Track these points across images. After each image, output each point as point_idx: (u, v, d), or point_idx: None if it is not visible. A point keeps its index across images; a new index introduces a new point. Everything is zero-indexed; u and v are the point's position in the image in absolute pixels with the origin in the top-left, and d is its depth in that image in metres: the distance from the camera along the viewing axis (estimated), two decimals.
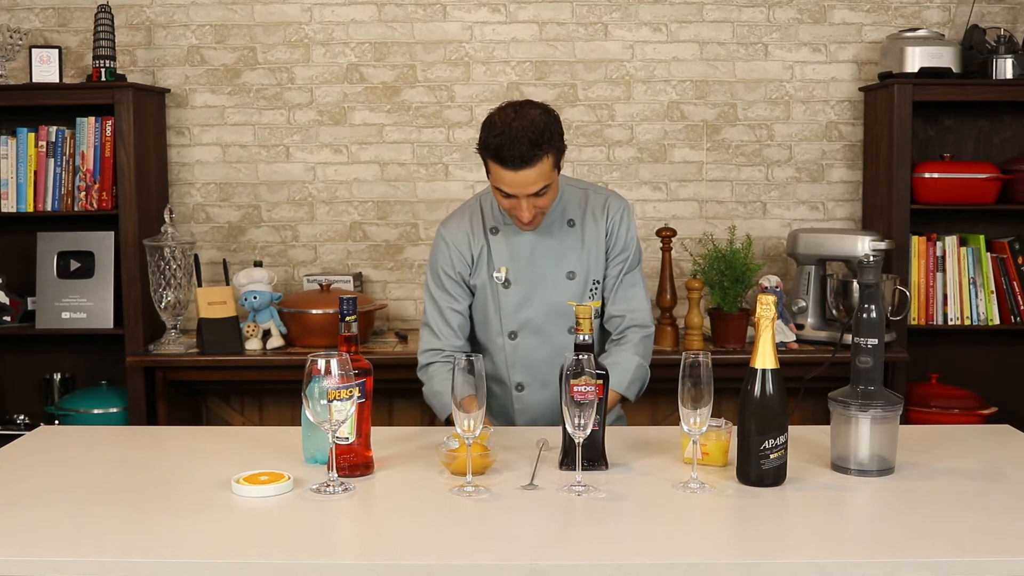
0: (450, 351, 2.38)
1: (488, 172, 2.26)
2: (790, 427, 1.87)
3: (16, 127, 3.50)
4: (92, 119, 3.45)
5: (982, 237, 3.53)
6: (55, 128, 3.48)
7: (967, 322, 3.50)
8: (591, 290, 2.39)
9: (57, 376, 3.64)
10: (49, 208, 3.47)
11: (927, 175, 3.45)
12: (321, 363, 1.76)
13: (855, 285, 3.22)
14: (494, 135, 2.17)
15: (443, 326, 2.40)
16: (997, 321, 3.51)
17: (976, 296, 3.50)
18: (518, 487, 1.85)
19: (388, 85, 3.71)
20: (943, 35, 3.52)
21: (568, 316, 2.32)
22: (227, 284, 3.43)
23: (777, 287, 3.33)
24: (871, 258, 1.96)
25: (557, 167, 2.26)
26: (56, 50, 3.47)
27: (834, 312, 3.35)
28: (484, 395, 1.80)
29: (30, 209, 3.47)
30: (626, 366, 2.33)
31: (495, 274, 2.38)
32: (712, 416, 1.86)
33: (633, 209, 3.71)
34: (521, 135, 2.14)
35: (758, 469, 1.83)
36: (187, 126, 3.73)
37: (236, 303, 3.37)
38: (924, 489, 1.84)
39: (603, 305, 2.42)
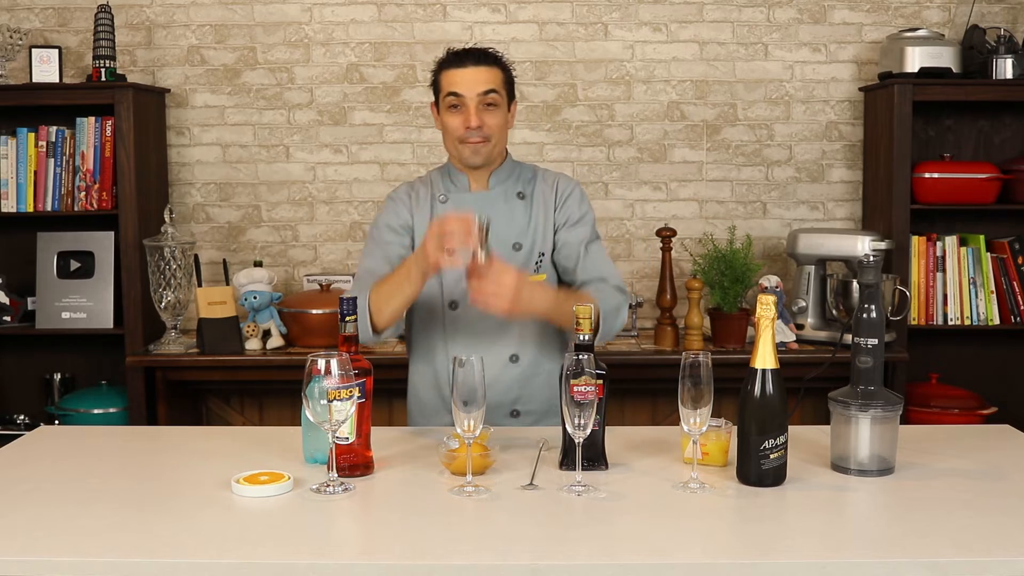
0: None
1: (438, 99, 2.31)
2: (790, 427, 1.86)
3: (16, 127, 3.50)
4: (92, 119, 3.45)
5: (982, 237, 3.53)
6: (55, 128, 3.48)
7: (967, 322, 3.50)
8: (536, 262, 2.33)
9: (57, 376, 3.64)
10: (49, 208, 3.48)
11: (927, 175, 3.45)
12: (321, 363, 1.76)
13: (855, 285, 3.22)
14: (448, 52, 2.33)
15: (367, 276, 2.27)
16: (997, 321, 3.51)
17: (976, 296, 3.50)
18: (518, 487, 1.84)
19: (388, 85, 3.71)
20: (943, 35, 3.52)
21: None
22: (227, 284, 3.43)
23: (777, 287, 3.33)
24: (871, 258, 1.96)
25: (508, 95, 2.31)
26: (56, 50, 3.47)
27: (834, 312, 3.35)
28: (484, 395, 1.80)
29: (30, 209, 3.47)
30: (607, 297, 2.20)
31: None
32: (712, 416, 1.86)
33: (633, 209, 3.73)
34: (474, 47, 2.33)
35: (758, 469, 1.83)
36: (187, 126, 3.73)
37: (236, 303, 3.37)
38: (924, 489, 1.84)
39: (559, 275, 2.35)
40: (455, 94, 2.26)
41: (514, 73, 2.36)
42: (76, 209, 3.46)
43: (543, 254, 2.34)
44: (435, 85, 2.33)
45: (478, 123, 2.25)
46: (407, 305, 2.19)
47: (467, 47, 2.32)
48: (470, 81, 2.25)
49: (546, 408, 2.35)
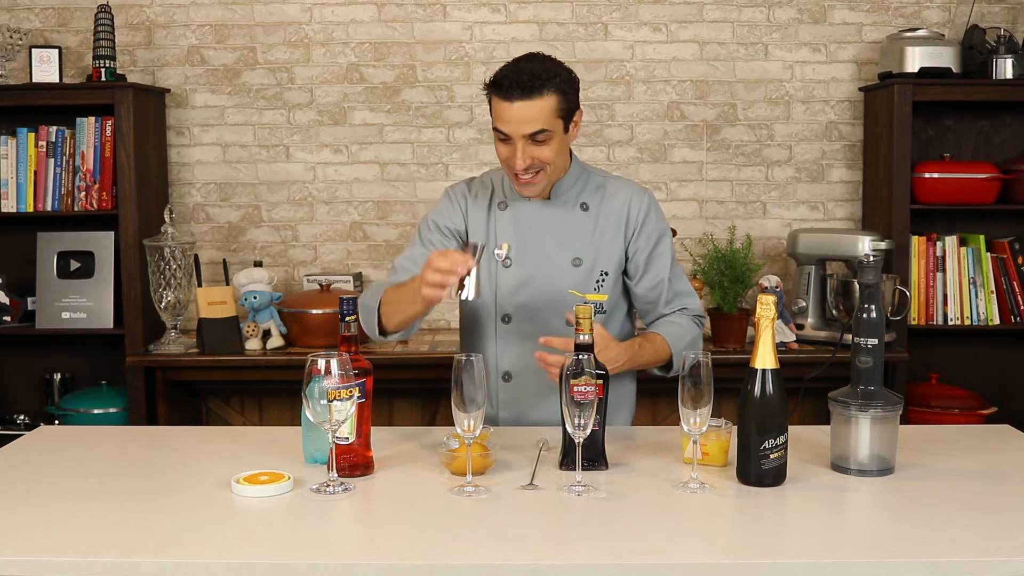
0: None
1: (493, 120, 2.15)
2: (790, 427, 1.86)
3: (16, 127, 3.50)
4: (92, 119, 3.45)
5: (982, 237, 3.53)
6: (55, 128, 3.48)
7: (967, 322, 3.50)
8: (598, 281, 2.23)
9: (57, 376, 3.64)
10: (49, 208, 3.48)
11: (927, 175, 3.45)
12: (321, 363, 1.76)
13: (855, 285, 3.22)
14: (501, 69, 2.12)
15: (400, 270, 2.22)
16: (997, 321, 3.51)
17: (976, 296, 3.50)
18: (518, 487, 1.84)
19: (388, 85, 3.71)
20: (943, 35, 3.52)
21: (568, 305, 2.17)
22: (227, 284, 3.43)
23: (777, 287, 3.33)
24: (871, 258, 1.96)
25: (564, 120, 2.12)
26: (56, 50, 3.47)
27: (834, 312, 3.35)
28: (484, 394, 1.80)
29: (30, 209, 3.47)
30: (684, 332, 2.22)
31: (496, 250, 2.23)
32: (712, 416, 1.86)
33: None
34: (525, 66, 2.10)
35: (758, 469, 1.83)
36: (187, 126, 3.73)
37: (236, 303, 3.37)
38: (924, 489, 1.84)
39: (628, 289, 2.30)
40: (500, 130, 2.10)
41: (570, 83, 2.13)
42: (76, 209, 3.46)
43: (606, 273, 2.24)
44: (488, 97, 2.15)
45: (525, 164, 2.10)
46: (415, 319, 2.12)
47: (517, 70, 2.08)
48: (516, 120, 2.07)
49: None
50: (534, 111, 2.07)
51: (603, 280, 2.24)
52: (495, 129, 2.13)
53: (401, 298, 2.10)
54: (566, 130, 2.15)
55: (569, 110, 2.14)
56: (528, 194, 2.20)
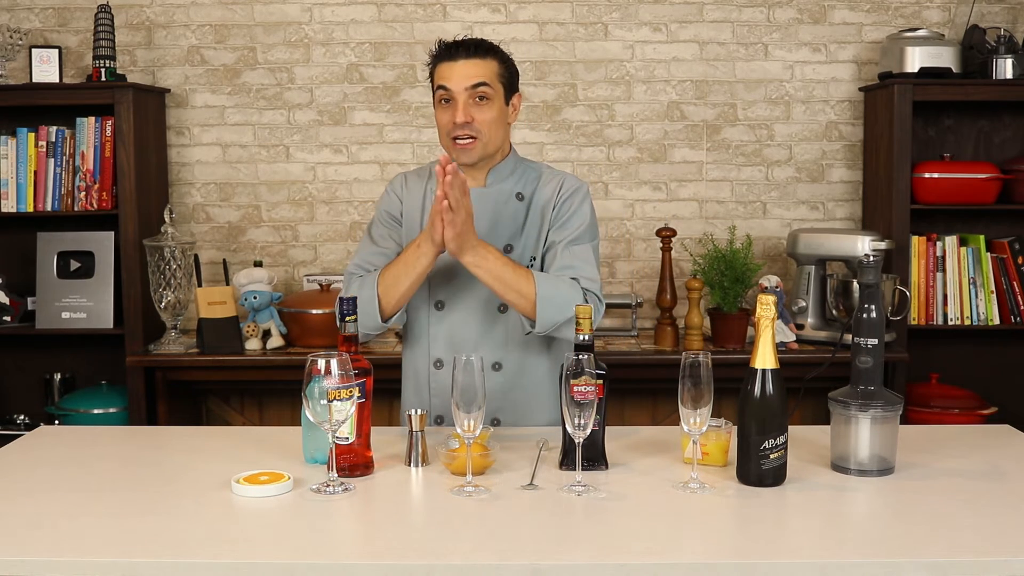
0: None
1: (434, 92, 2.24)
2: (790, 427, 1.87)
3: (16, 127, 3.50)
4: (92, 119, 3.45)
5: (982, 237, 3.53)
6: (55, 128, 3.48)
7: (967, 322, 3.50)
8: (528, 266, 2.22)
9: (57, 376, 3.64)
10: (49, 208, 3.48)
11: (927, 175, 3.45)
12: (321, 363, 1.76)
13: (855, 285, 3.22)
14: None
15: (359, 269, 2.28)
16: (997, 321, 3.51)
17: (976, 296, 3.50)
18: (518, 487, 1.85)
19: (388, 85, 3.71)
20: (943, 35, 3.52)
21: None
22: (227, 284, 3.43)
23: (777, 287, 3.33)
24: (871, 258, 1.96)
25: (504, 89, 2.22)
26: (56, 50, 3.47)
27: (834, 312, 3.35)
28: (484, 395, 1.80)
29: (30, 209, 3.47)
30: (560, 285, 2.12)
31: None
32: (712, 416, 1.86)
33: (633, 209, 3.73)
34: (468, 38, 2.24)
35: (758, 469, 1.83)
36: (187, 126, 3.73)
37: (236, 303, 3.37)
38: (924, 489, 1.84)
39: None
40: (444, 88, 2.19)
41: (512, 62, 2.26)
42: (76, 209, 3.46)
43: (534, 259, 2.25)
44: (431, 79, 2.26)
45: (465, 119, 2.17)
46: (418, 283, 2.16)
47: (460, 38, 2.24)
48: (459, 75, 2.17)
49: (528, 421, 2.27)
50: (478, 68, 2.18)
51: (532, 266, 2.25)
52: (438, 91, 2.21)
53: (402, 263, 2.15)
54: (507, 102, 2.24)
55: (510, 83, 2.24)
56: (464, 160, 2.22)
